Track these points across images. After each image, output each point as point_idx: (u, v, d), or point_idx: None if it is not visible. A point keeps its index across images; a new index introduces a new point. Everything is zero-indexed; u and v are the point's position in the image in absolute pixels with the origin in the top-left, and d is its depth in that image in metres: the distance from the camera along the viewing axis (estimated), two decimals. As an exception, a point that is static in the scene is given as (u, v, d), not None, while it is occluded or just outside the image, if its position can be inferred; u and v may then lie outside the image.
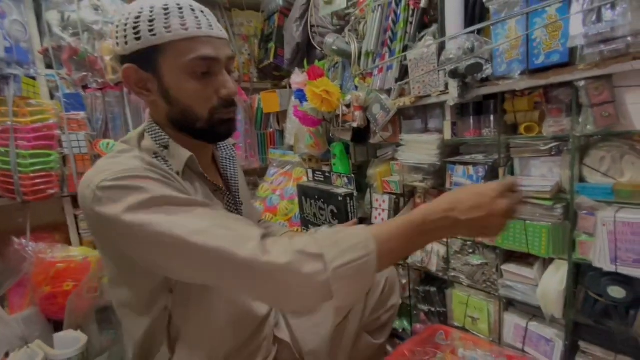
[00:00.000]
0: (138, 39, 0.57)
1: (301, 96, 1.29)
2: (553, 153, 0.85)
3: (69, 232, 1.42)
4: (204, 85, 0.60)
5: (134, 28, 0.56)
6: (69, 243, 1.42)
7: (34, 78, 1.32)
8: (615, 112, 0.69)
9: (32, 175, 1.24)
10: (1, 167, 1.23)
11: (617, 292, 0.73)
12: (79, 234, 1.45)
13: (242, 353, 0.69)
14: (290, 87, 1.54)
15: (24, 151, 1.23)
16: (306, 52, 1.57)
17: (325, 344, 0.79)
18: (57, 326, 1.29)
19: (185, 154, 0.62)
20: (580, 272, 0.82)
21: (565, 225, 0.82)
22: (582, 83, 0.71)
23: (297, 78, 1.31)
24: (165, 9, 0.57)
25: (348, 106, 1.24)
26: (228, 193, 0.73)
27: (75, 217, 1.43)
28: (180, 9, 0.57)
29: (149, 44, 0.57)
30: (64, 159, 1.36)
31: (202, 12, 0.60)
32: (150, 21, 0.56)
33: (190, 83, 0.59)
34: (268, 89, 1.90)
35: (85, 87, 1.44)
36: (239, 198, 0.75)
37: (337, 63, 1.37)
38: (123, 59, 0.59)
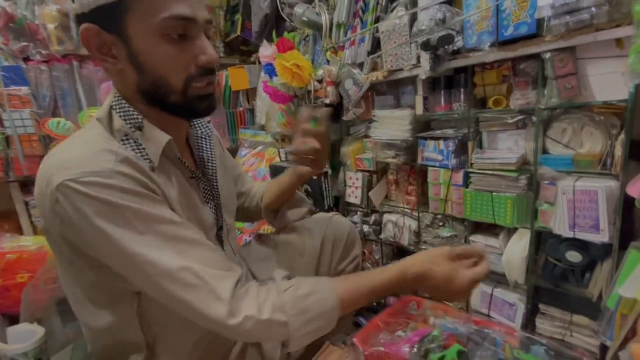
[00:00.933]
0: None
1: (270, 71, 1.23)
2: (519, 126, 0.87)
3: (20, 220, 1.31)
4: (180, 50, 0.52)
5: None
6: (21, 232, 1.31)
7: (-37, 47, 1.16)
8: (578, 84, 0.71)
9: (-31, 158, 1.12)
10: None
11: (574, 256, 0.78)
12: (32, 222, 1.34)
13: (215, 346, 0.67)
14: (259, 63, 1.47)
15: (-43, 131, 1.09)
16: (275, 24, 1.49)
17: None
18: (13, 321, 1.20)
19: (162, 137, 0.55)
20: (542, 240, 0.86)
21: (529, 195, 0.86)
22: (548, 55, 0.72)
23: (266, 51, 1.24)
24: None
25: (320, 81, 1.21)
26: (204, 179, 0.66)
27: (26, 203, 1.32)
28: None
29: None
30: (7, 139, 1.22)
31: None
32: None
33: (163, 47, 0.51)
34: (236, 65, 1.81)
35: (27, 59, 1.29)
36: (215, 183, 0.68)
37: (307, 36, 1.31)
38: (81, 17, 0.50)
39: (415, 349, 0.88)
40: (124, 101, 0.55)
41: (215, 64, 0.56)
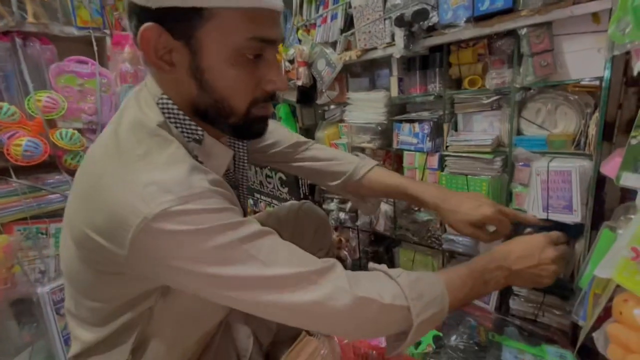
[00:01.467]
0: None
1: (238, 50, 1.15)
2: (494, 107, 0.85)
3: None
4: (251, 73, 0.46)
5: None
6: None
7: None
8: (553, 61, 0.69)
9: None
10: None
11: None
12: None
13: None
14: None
15: None
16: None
17: None
18: (-41, 326, 1.10)
19: (227, 153, 0.52)
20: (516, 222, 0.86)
21: (504, 177, 0.84)
22: (524, 31, 0.70)
23: (233, 29, 1.16)
24: None
25: (292, 62, 1.14)
26: (242, 192, 0.64)
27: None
28: None
29: (191, 3, 0.41)
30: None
31: None
32: None
33: (235, 68, 0.45)
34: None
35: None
36: (244, 188, 0.65)
37: (277, 14, 1.23)
38: (143, 12, 0.42)
39: (391, 336, 0.86)
40: (176, 108, 0.48)
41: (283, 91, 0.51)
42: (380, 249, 1.21)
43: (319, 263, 0.46)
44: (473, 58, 0.83)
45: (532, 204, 0.77)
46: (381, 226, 1.14)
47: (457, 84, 0.91)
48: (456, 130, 0.94)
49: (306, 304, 0.44)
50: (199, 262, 0.41)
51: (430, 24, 0.80)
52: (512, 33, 0.74)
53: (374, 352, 0.80)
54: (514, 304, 0.87)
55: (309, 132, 1.34)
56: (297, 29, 1.15)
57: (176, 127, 0.48)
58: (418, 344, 0.81)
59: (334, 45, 1.06)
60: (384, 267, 0.53)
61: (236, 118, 0.48)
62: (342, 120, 1.18)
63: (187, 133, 0.48)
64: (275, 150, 0.78)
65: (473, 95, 0.86)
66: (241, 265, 0.42)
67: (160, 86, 0.48)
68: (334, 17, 1.03)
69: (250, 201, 1.53)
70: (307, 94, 1.22)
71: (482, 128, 0.90)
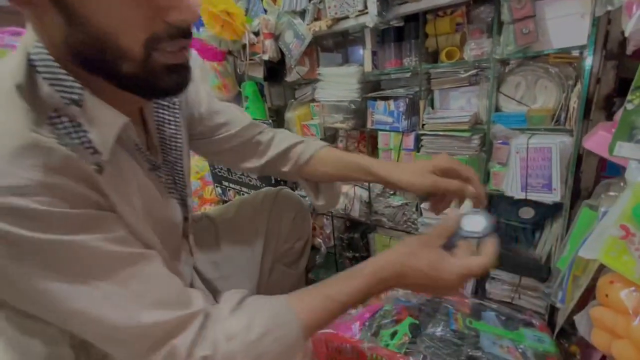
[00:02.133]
0: None
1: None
2: (472, 82, 0.80)
3: None
4: (139, 1, 0.33)
5: None
6: None
7: None
8: (535, 28, 0.64)
9: None
10: None
11: (526, 212, 0.75)
12: None
13: None
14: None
15: None
16: (203, -32, 1.27)
17: (250, 284, 0.73)
18: None
19: (116, 119, 0.39)
20: (493, 203, 0.82)
21: (481, 156, 0.80)
22: (505, -5, 0.64)
23: (189, -5, 1.03)
24: None
25: (257, 34, 1.04)
26: (165, 165, 0.50)
27: None
28: None
29: None
30: None
31: None
32: None
33: None
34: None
35: None
36: (180, 167, 0.53)
37: (240, -20, 1.12)
38: None
39: (366, 327, 0.82)
40: (51, 58, 0.35)
41: (195, 22, 0.37)
42: (356, 236, 1.16)
43: (175, 303, 0.39)
44: (451, 28, 0.77)
45: (510, 183, 0.74)
46: (356, 212, 1.09)
47: (434, 57, 0.85)
48: (432, 107, 0.88)
49: (125, 351, 0.38)
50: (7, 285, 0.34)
51: (405, -13, 0.73)
52: (492, -2, 0.69)
53: (348, 345, 0.75)
54: (490, 287, 0.85)
55: (278, 112, 1.25)
56: (263, -2, 1.05)
57: (50, 85, 0.35)
58: (394, 334, 0.77)
59: (302, 15, 0.97)
60: (229, 309, 0.42)
61: (131, 65, 0.35)
62: (313, 100, 1.10)
63: (62, 90, 0.35)
64: (226, 135, 0.63)
65: (451, 68, 0.80)
66: (65, 298, 0.34)
67: (34, 30, 0.36)
68: (301, -18, 0.93)
69: (219, 190, 1.43)
70: (275, 71, 1.13)
71: (459, 105, 0.85)
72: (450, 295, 0.46)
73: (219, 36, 1.00)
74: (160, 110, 0.50)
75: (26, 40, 0.36)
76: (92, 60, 0.35)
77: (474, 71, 0.78)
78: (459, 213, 0.49)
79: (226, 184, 1.41)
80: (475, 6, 0.74)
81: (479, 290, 0.88)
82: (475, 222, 0.47)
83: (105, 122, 0.38)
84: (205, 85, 0.60)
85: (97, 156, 0.37)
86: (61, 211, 0.33)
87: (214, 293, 0.71)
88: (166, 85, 0.39)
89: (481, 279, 0.88)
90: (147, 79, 0.37)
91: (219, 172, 1.38)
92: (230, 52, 1.14)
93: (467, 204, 0.57)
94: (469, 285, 0.89)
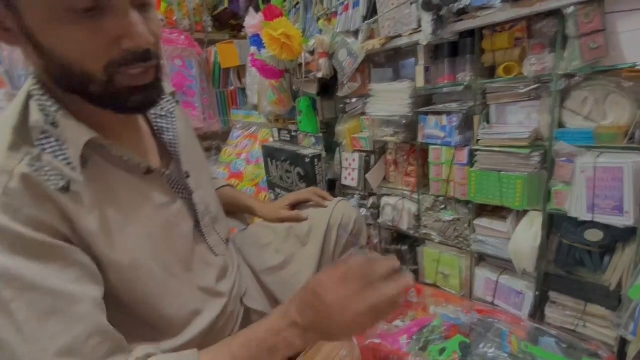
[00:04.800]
0: None
1: (258, 42, 1.13)
2: (532, 97, 0.78)
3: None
4: (93, 32, 0.38)
5: None
6: None
7: None
8: (605, 43, 0.61)
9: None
10: None
11: (594, 234, 0.70)
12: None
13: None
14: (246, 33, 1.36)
15: None
16: (264, -7, 1.38)
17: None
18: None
19: (80, 136, 0.42)
20: (555, 223, 0.78)
21: (542, 174, 0.77)
22: (570, 9, 0.62)
23: (252, 20, 1.13)
24: None
25: (312, 53, 1.10)
26: (166, 170, 0.54)
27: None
28: None
29: None
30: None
31: None
32: None
33: (68, 27, 0.37)
34: (225, 40, 1.70)
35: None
36: (182, 170, 0.57)
37: (298, 3, 1.20)
38: None
39: (413, 340, 0.82)
40: (38, 86, 0.42)
41: (151, 46, 0.41)
42: (403, 248, 1.16)
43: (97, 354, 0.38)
44: (509, 43, 0.76)
45: (574, 203, 0.70)
46: (404, 224, 1.09)
47: (491, 72, 0.83)
48: (488, 122, 0.87)
49: None
50: None
51: (460, 6, 0.74)
52: (555, 13, 0.66)
53: (395, 356, 0.76)
54: (550, 312, 0.80)
55: (329, 126, 1.30)
56: (318, 19, 1.11)
57: (40, 110, 0.41)
58: (442, 350, 0.77)
59: (356, 34, 1.01)
60: None
61: (97, 87, 0.40)
62: (363, 113, 1.13)
63: (46, 113, 0.41)
64: None
65: (508, 84, 0.78)
66: None
67: (26, 62, 0.44)
68: (356, 4, 0.97)
69: (272, 196, 1.51)
70: (328, 86, 1.18)
71: (518, 120, 0.83)
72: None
73: (278, 57, 1.08)
74: (159, 120, 0.55)
75: (30, 78, 0.44)
76: (66, 83, 0.41)
77: (534, 85, 0.76)
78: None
79: (279, 190, 1.50)
80: (537, 20, 0.72)
81: (537, 314, 0.83)
82: None
83: (74, 139, 0.41)
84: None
85: (73, 173, 0.41)
86: (16, 231, 0.36)
87: (270, 296, 0.76)
88: (132, 103, 0.43)
89: (540, 301, 0.84)
90: (114, 97, 0.42)
91: (273, 180, 1.47)
92: (287, 70, 1.22)
93: None
94: (526, 307, 0.85)
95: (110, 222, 0.45)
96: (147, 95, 0.44)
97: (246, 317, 0.72)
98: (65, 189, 0.40)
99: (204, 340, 0.55)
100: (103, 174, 0.45)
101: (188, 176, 0.57)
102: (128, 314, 0.48)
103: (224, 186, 0.87)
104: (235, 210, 0.88)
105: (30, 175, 0.38)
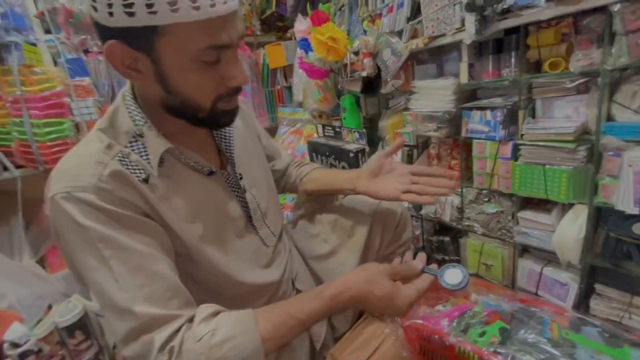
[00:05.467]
0: (131, 14, 0.42)
1: (306, 46, 1.22)
2: (580, 91, 0.78)
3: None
4: (211, 75, 0.50)
5: None
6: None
7: (34, 44, 1.29)
8: (655, 38, 0.61)
9: (49, 144, 1.27)
10: (19, 137, 1.26)
11: (641, 229, 0.70)
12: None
13: None
14: (295, 38, 1.46)
15: (37, 120, 1.25)
16: (310, -3, 1.46)
17: None
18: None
19: (160, 147, 0.54)
20: (601, 216, 0.79)
21: (588, 168, 0.78)
22: (617, 7, 0.62)
23: (301, 25, 1.22)
24: None
25: (356, 53, 1.17)
26: (226, 172, 0.65)
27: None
28: None
29: (145, 23, 0.43)
30: (77, 126, 1.37)
31: None
32: None
33: (195, 73, 0.49)
34: (273, 42, 1.81)
35: (86, 52, 1.41)
36: (239, 173, 0.67)
37: (343, 5, 1.26)
38: (104, 31, 0.45)
39: (455, 323, 0.88)
40: (134, 103, 0.55)
41: (245, 84, 0.55)
42: (446, 239, 1.20)
43: (163, 306, 0.48)
44: (555, 39, 0.77)
45: (621, 197, 0.71)
46: (447, 216, 1.13)
47: (536, 66, 0.84)
48: (534, 117, 0.88)
49: (119, 333, 0.48)
50: (67, 244, 0.49)
51: (504, 6, 0.76)
52: (602, 9, 0.67)
53: (436, 335, 0.82)
54: (595, 304, 0.82)
55: (372, 121, 1.36)
56: (362, 20, 1.17)
57: (130, 118, 0.54)
58: (482, 334, 0.82)
59: (399, 34, 1.05)
60: (201, 317, 0.50)
61: (203, 113, 0.53)
62: (406, 109, 1.18)
63: (137, 124, 0.53)
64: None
65: (555, 79, 0.79)
66: (93, 269, 0.48)
67: (133, 85, 0.55)
68: (400, 5, 1.02)
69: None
70: (371, 84, 1.24)
71: (565, 114, 0.83)
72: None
73: (324, 59, 1.16)
74: (220, 132, 0.66)
75: (124, 90, 0.56)
76: (179, 111, 0.53)
77: (582, 80, 0.76)
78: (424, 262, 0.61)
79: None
80: (584, 16, 0.72)
81: (581, 306, 0.85)
82: (454, 275, 0.57)
83: (154, 147, 0.54)
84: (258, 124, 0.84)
85: (144, 174, 0.53)
86: (111, 208, 0.48)
87: (318, 281, 0.85)
88: (223, 121, 0.57)
89: (586, 295, 0.85)
90: (212, 120, 0.54)
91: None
92: (332, 70, 1.30)
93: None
94: (570, 299, 0.86)
95: (179, 210, 0.56)
96: (233, 115, 0.57)
97: None
98: (145, 180, 0.53)
99: None
100: (175, 172, 0.57)
101: (241, 177, 0.66)
102: (195, 288, 0.58)
103: (314, 169, 0.88)
104: (332, 194, 0.89)
105: (120, 168, 0.51)
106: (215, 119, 0.55)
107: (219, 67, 0.49)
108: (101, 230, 0.47)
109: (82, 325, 0.60)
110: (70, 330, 0.59)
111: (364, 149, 1.33)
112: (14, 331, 0.59)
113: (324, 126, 1.51)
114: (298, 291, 0.82)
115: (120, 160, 0.51)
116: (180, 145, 0.57)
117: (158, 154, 0.53)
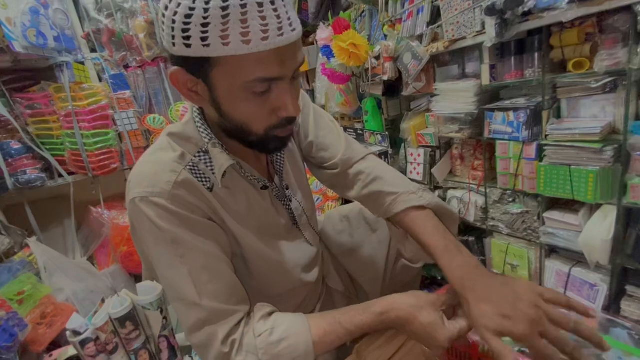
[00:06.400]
0: (188, 45, 0.46)
1: (328, 53, 1.26)
2: (607, 90, 0.77)
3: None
4: (262, 105, 0.52)
5: (184, 31, 0.45)
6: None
7: (82, 63, 1.43)
8: (684, 37, 0.59)
9: (96, 152, 1.41)
10: (71, 148, 1.40)
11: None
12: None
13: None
14: (317, 44, 1.50)
15: (86, 132, 1.38)
16: (331, 3, 1.50)
17: (379, 273, 0.87)
18: (137, 279, 1.53)
19: (225, 163, 0.59)
20: (632, 217, 0.77)
21: (616, 168, 0.77)
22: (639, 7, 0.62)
23: (323, 33, 1.27)
24: (224, 10, 0.42)
25: (377, 58, 1.20)
26: (276, 187, 0.70)
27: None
28: (243, 6, 0.43)
29: (200, 54, 0.46)
30: (119, 135, 1.50)
31: (272, 5, 0.44)
32: (204, 25, 0.43)
33: (246, 102, 0.51)
34: (296, 48, 1.86)
35: (126, 67, 1.54)
36: (287, 189, 0.73)
37: (363, 11, 1.29)
38: (171, 57, 0.51)
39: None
40: (200, 119, 0.61)
41: (298, 115, 0.55)
42: (470, 239, 1.20)
43: (226, 301, 0.54)
44: (579, 39, 0.76)
45: (651, 198, 0.69)
46: (471, 216, 1.13)
47: (561, 66, 0.84)
48: (559, 117, 0.87)
49: (186, 324, 0.54)
50: (143, 241, 0.56)
51: (525, 9, 0.76)
52: (627, 8, 0.66)
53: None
54: (626, 305, 0.80)
55: (394, 123, 1.38)
56: (383, 25, 1.19)
57: (200, 133, 0.60)
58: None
59: (420, 38, 1.07)
60: (259, 316, 0.55)
61: (256, 138, 0.56)
62: (428, 110, 1.19)
63: (206, 139, 0.60)
64: (330, 172, 0.77)
65: (580, 78, 0.78)
66: (166, 265, 0.54)
67: (197, 106, 0.61)
68: (420, 10, 1.04)
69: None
70: (393, 87, 1.26)
71: (592, 113, 0.82)
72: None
73: (346, 64, 1.20)
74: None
75: (194, 106, 0.62)
76: (234, 133, 0.58)
77: (609, 79, 0.75)
78: None
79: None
80: (608, 16, 0.71)
81: (612, 307, 0.83)
82: None
83: (219, 161, 0.59)
84: (318, 119, 0.79)
85: (210, 184, 0.59)
86: (183, 213, 0.54)
87: (345, 277, 0.90)
88: (273, 147, 0.60)
89: (616, 297, 0.83)
90: (262, 144, 0.58)
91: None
92: (353, 74, 1.33)
93: None
94: (600, 300, 0.85)
95: (235, 216, 0.62)
96: (285, 143, 0.60)
97: (328, 296, 0.87)
98: (210, 189, 0.60)
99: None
100: (233, 183, 0.63)
101: (287, 188, 0.73)
102: (248, 285, 0.66)
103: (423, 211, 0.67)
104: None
105: (190, 176, 0.57)
106: (266, 144, 0.58)
107: (269, 97, 0.51)
108: (174, 231, 0.54)
109: (132, 317, 0.68)
110: (122, 321, 0.67)
111: (387, 151, 1.35)
112: (75, 321, 0.67)
113: (346, 129, 1.54)
114: (329, 289, 0.86)
115: (191, 169, 0.58)
116: (240, 159, 0.63)
117: (223, 169, 0.58)
